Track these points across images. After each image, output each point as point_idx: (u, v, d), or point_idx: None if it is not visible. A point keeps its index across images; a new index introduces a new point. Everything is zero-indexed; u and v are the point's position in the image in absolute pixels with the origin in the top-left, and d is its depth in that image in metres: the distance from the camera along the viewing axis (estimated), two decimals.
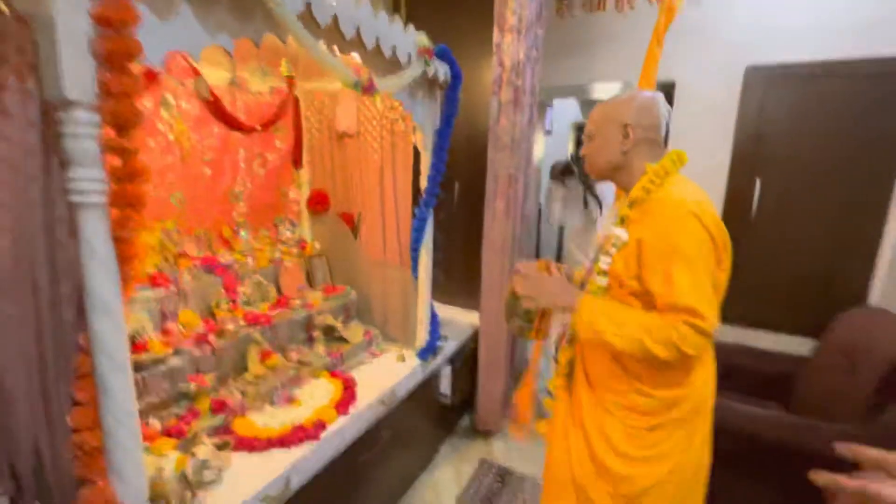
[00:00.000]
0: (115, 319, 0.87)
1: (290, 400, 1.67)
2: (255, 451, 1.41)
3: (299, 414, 1.59)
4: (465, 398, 2.59)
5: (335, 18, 1.20)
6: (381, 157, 2.12)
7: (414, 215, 1.99)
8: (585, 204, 3.20)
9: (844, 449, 0.49)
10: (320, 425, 1.52)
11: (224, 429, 1.46)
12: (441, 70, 1.79)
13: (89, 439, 0.89)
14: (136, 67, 0.79)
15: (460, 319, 2.72)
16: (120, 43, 0.76)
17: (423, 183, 1.99)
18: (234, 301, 1.78)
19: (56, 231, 0.89)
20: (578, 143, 3.06)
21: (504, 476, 2.29)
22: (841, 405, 1.86)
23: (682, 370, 1.06)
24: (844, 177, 2.14)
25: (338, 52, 1.34)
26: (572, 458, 1.22)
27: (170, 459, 1.07)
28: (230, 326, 1.63)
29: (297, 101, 2.24)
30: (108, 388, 0.88)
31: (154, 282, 1.57)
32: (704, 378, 1.12)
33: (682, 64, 2.39)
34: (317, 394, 1.72)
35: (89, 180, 0.81)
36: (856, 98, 2.08)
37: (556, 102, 4.80)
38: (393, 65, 1.53)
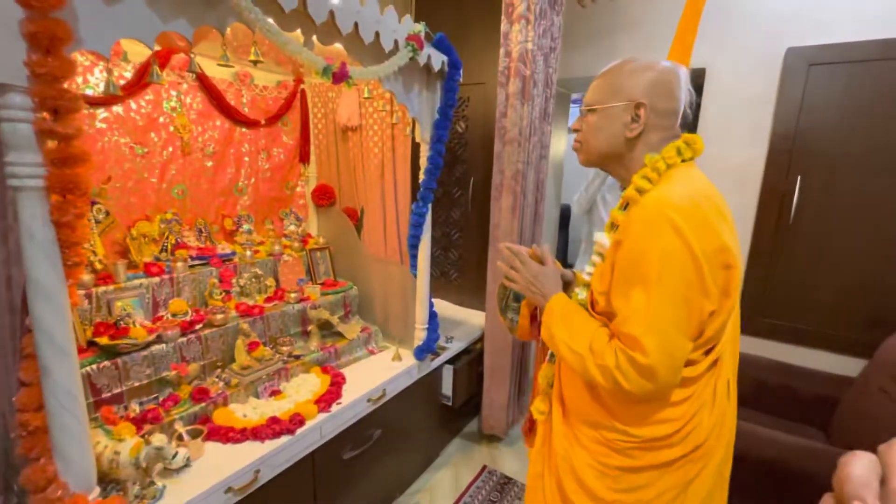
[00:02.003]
0: (56, 304, 0.88)
1: (275, 393, 1.67)
2: (230, 442, 1.41)
3: (281, 407, 1.58)
4: (472, 401, 2.51)
5: (303, 1, 1.17)
6: (381, 151, 2.08)
7: (412, 211, 1.93)
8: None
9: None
10: (297, 420, 1.50)
11: (203, 418, 1.47)
12: (437, 59, 1.73)
13: (32, 420, 0.90)
14: (65, 51, 0.79)
15: (473, 321, 2.64)
16: (45, 25, 0.76)
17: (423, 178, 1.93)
18: (227, 292, 1.80)
19: (8, 215, 0.91)
20: None
21: (504, 486, 2.19)
22: (887, 435, 1.61)
23: (662, 406, 0.87)
24: None
25: (316, 42, 1.31)
26: (545, 492, 1.06)
27: (126, 444, 1.08)
28: (219, 316, 1.65)
29: (304, 95, 2.26)
30: (50, 371, 0.89)
31: (148, 270, 1.62)
32: (712, 423, 0.89)
33: (713, 47, 2.18)
34: (303, 388, 1.71)
35: (25, 164, 0.81)
36: None
37: None
38: (378, 53, 1.48)
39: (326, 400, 1.64)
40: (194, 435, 1.35)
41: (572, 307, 0.95)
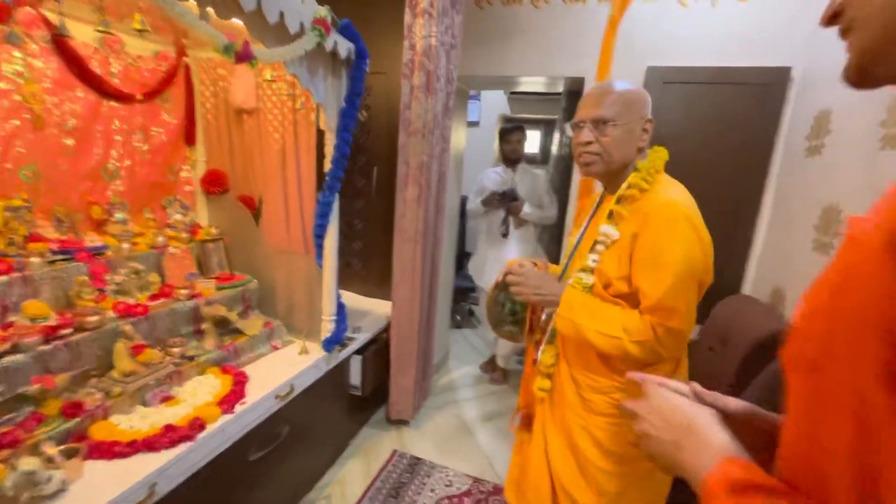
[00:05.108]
0: None
1: (167, 399, 1.52)
2: (117, 458, 1.26)
3: (176, 413, 1.44)
4: (380, 389, 2.54)
5: None
6: (282, 137, 1.98)
7: (318, 200, 1.88)
8: (504, 234, 2.91)
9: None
10: (198, 425, 1.39)
11: (78, 434, 1.29)
12: (343, 46, 1.70)
13: None
14: None
15: (378, 311, 2.65)
16: None
17: (329, 166, 1.88)
18: (101, 291, 1.57)
19: None
20: (502, 135, 3.01)
21: (414, 466, 2.28)
22: (716, 385, 2.04)
23: (664, 367, 1.09)
24: (727, 177, 2.33)
25: (213, 16, 1.21)
26: (552, 460, 1.21)
27: None
28: (92, 318, 1.44)
29: (188, 70, 2.04)
30: None
31: None
32: (684, 376, 1.15)
33: (589, 60, 2.47)
34: (200, 391, 1.58)
35: None
36: (739, 103, 2.26)
37: (485, 95, 4.88)
38: (282, 34, 1.41)
39: (229, 401, 1.54)
40: (69, 454, 1.18)
41: (587, 297, 1.09)
